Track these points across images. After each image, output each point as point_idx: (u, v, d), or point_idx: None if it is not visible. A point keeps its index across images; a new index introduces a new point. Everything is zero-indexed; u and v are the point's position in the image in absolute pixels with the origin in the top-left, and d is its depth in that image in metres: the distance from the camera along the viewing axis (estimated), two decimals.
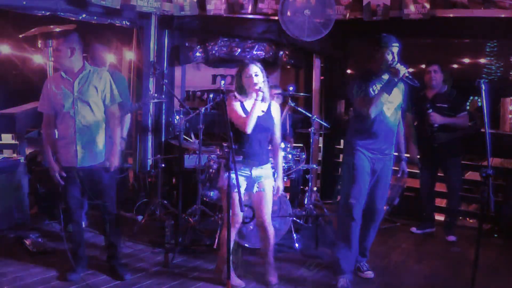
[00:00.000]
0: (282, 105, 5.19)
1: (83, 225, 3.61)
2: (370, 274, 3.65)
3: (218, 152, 4.53)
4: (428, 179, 4.71)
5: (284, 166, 4.46)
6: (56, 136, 3.37)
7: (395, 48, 3.30)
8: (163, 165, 4.81)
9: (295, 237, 4.28)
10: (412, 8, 4.87)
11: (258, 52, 5.66)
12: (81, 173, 3.37)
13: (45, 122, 3.39)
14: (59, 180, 3.32)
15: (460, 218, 5.77)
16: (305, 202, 4.82)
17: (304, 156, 4.71)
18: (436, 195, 4.93)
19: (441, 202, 5.19)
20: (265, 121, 3.30)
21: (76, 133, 3.29)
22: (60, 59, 3.28)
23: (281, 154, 3.44)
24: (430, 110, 4.38)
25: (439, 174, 4.76)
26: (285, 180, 4.59)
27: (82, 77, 3.33)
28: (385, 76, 3.34)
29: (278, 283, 3.44)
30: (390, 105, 3.35)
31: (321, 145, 6.03)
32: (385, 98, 3.25)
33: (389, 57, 3.28)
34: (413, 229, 4.75)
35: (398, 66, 3.19)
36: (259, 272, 3.62)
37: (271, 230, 3.43)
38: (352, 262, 3.50)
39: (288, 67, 6.13)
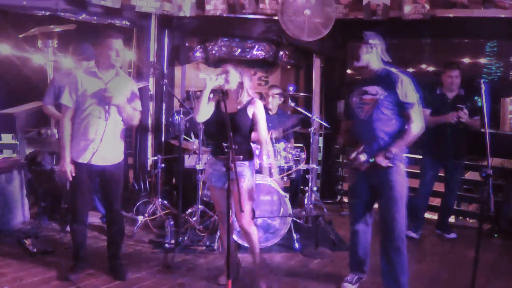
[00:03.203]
0: (282, 105, 5.22)
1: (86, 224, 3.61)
2: None
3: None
4: (431, 180, 4.70)
5: (284, 166, 4.47)
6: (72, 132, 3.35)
7: (371, 37, 3.14)
8: (163, 165, 4.82)
9: (295, 237, 4.28)
10: (412, 8, 4.87)
11: (258, 52, 5.66)
12: (94, 171, 3.37)
13: (66, 116, 3.33)
14: (69, 176, 3.29)
15: (460, 218, 5.78)
16: (305, 202, 4.82)
17: (304, 156, 4.72)
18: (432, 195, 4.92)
19: (432, 201, 5.18)
20: (233, 118, 3.24)
21: (97, 131, 3.29)
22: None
23: (265, 148, 3.35)
24: (464, 107, 4.35)
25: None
26: (285, 180, 4.60)
27: (113, 78, 3.35)
28: (373, 78, 3.16)
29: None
30: (369, 108, 3.14)
31: (321, 145, 6.03)
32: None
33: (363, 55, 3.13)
34: (411, 234, 4.68)
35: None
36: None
37: (252, 232, 3.30)
38: (359, 264, 3.47)
39: (288, 67, 6.13)
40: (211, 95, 3.34)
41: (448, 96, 4.52)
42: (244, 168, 3.27)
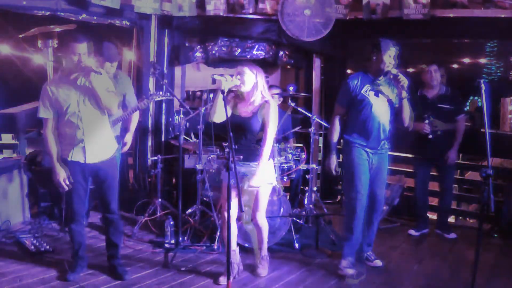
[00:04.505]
0: (282, 105, 5.21)
1: (85, 225, 3.61)
2: (378, 262, 3.86)
3: (218, 152, 4.54)
4: (424, 179, 4.72)
5: (284, 166, 4.47)
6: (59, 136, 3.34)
7: (393, 52, 3.48)
8: (162, 165, 4.81)
9: (295, 237, 4.28)
10: (412, 8, 4.87)
11: (258, 52, 5.65)
12: (88, 170, 3.37)
13: (48, 128, 3.32)
14: (63, 186, 3.29)
15: (460, 218, 5.78)
16: (305, 202, 4.82)
17: (304, 156, 4.71)
18: (429, 194, 4.94)
19: (431, 201, 5.19)
20: (245, 122, 3.32)
21: (83, 130, 3.28)
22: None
23: (265, 152, 3.32)
24: (427, 121, 4.39)
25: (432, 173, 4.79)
26: (285, 180, 4.61)
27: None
28: (381, 79, 3.58)
29: (268, 275, 3.60)
30: (381, 103, 3.56)
31: (321, 145, 6.03)
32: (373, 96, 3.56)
33: (388, 60, 3.47)
34: (411, 232, 4.75)
35: (402, 78, 3.45)
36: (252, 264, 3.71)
37: (264, 227, 3.56)
38: (354, 247, 3.73)
39: (288, 67, 6.13)
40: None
41: (428, 96, 4.53)
42: (255, 168, 3.34)
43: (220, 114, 3.25)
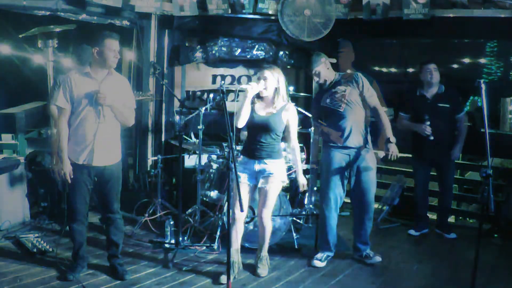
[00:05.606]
0: None
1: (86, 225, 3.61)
2: (378, 258, 3.92)
3: (219, 152, 4.54)
4: (424, 179, 4.72)
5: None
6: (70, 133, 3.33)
7: (315, 65, 3.78)
8: (162, 165, 4.81)
9: (295, 237, 4.28)
10: (412, 8, 4.87)
11: (258, 52, 5.65)
12: (93, 171, 3.37)
13: (63, 118, 3.31)
14: (68, 179, 3.29)
15: (460, 218, 5.78)
16: (305, 202, 4.82)
17: (304, 156, 4.71)
18: (429, 194, 4.94)
19: (431, 201, 5.20)
20: (268, 121, 3.46)
21: (94, 133, 3.29)
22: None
23: (297, 154, 3.64)
24: (428, 123, 4.40)
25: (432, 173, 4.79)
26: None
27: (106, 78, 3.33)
28: (334, 82, 3.82)
29: (268, 275, 3.62)
30: (346, 106, 3.74)
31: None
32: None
33: (313, 75, 3.84)
34: (411, 232, 4.76)
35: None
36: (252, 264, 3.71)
37: (267, 226, 3.59)
38: (329, 243, 3.92)
39: (288, 67, 6.13)
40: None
41: (427, 97, 4.53)
42: (274, 166, 3.50)
43: (245, 119, 3.45)
